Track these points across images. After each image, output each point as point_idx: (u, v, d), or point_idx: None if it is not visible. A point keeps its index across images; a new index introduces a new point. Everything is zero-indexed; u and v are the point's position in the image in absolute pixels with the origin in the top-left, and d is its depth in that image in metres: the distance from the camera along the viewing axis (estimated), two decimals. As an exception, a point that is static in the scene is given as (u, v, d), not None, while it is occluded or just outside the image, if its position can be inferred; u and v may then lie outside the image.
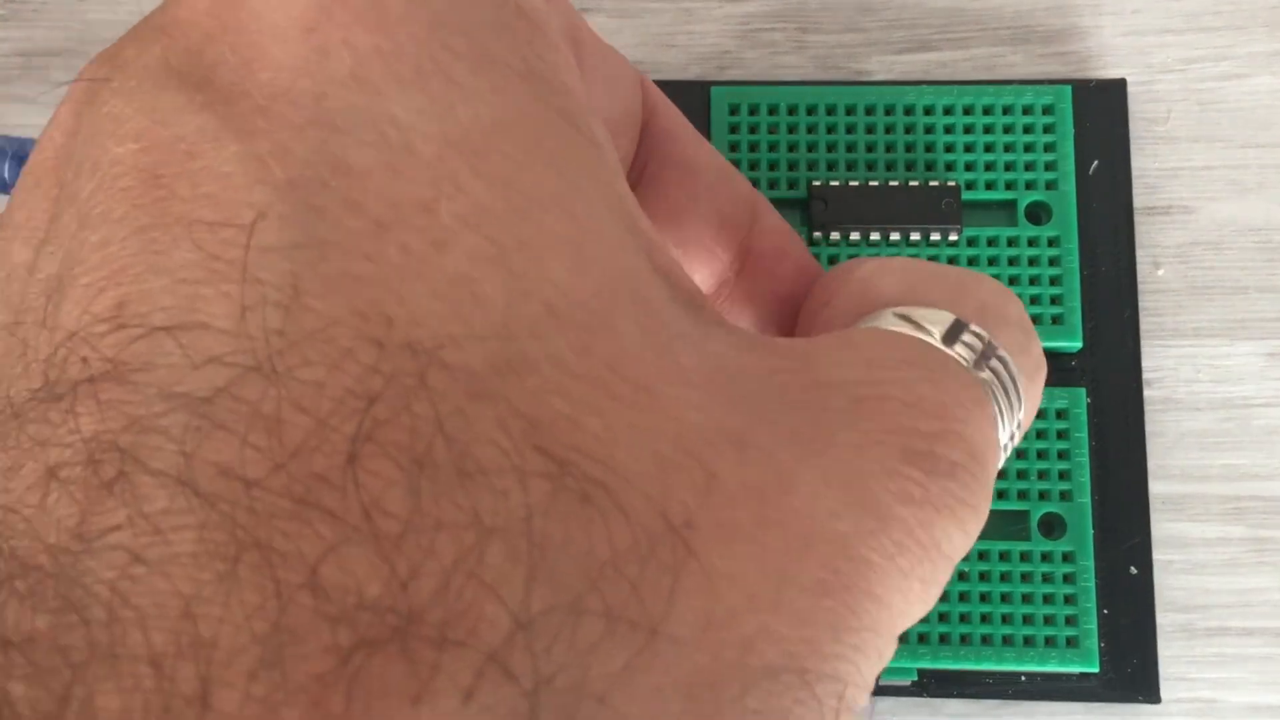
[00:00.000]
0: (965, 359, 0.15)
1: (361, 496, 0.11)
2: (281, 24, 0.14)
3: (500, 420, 0.12)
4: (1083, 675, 0.26)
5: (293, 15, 0.14)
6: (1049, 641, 0.25)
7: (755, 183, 0.27)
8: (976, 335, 0.16)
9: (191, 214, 0.12)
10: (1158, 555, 0.26)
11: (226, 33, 0.14)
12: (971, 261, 0.27)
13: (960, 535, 0.14)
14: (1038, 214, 0.27)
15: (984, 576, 0.25)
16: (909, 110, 0.28)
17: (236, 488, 0.11)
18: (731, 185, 0.21)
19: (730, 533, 0.12)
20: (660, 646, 0.11)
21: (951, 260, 0.27)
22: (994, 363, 0.16)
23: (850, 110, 0.28)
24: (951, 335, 0.16)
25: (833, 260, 0.27)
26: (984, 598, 0.25)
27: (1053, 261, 0.27)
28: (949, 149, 0.27)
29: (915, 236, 0.27)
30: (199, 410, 0.11)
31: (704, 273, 0.21)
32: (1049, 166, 0.27)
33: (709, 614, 0.12)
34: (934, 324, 0.16)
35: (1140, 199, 0.28)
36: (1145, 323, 0.28)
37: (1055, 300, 0.26)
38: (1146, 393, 0.27)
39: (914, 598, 0.14)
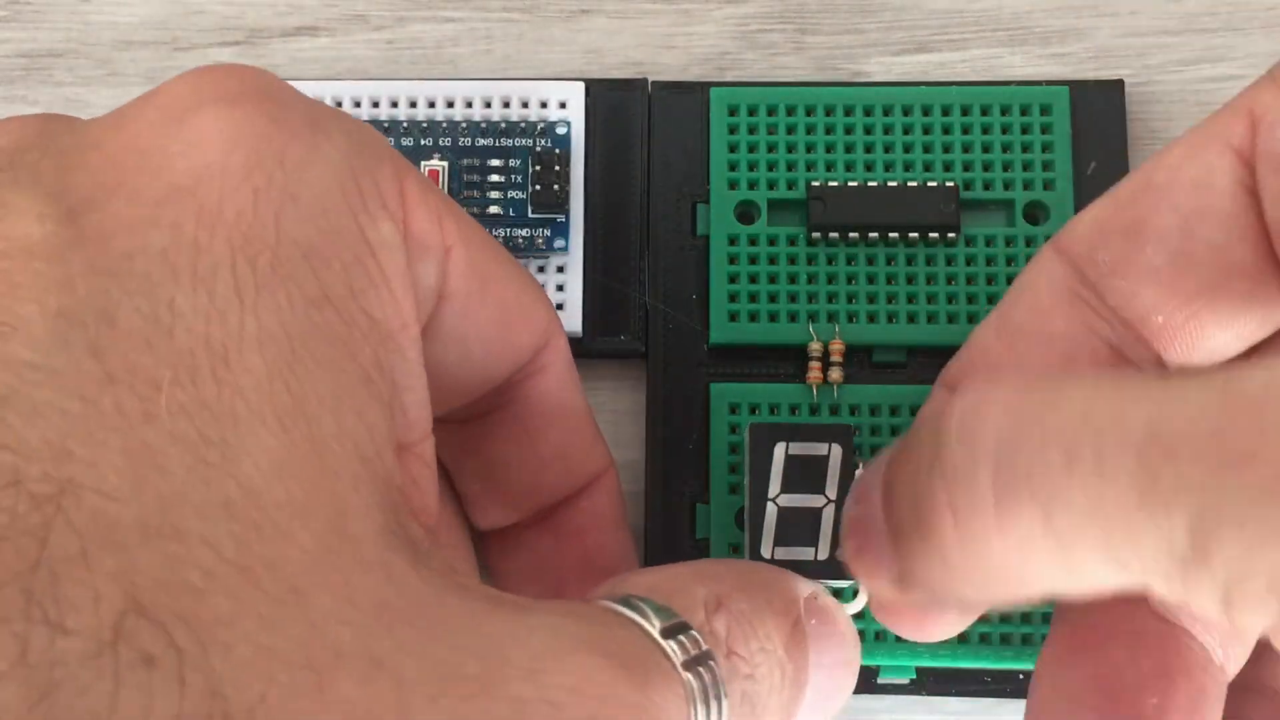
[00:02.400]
0: (676, 654, 0.16)
1: None
2: (157, 191, 0.15)
3: (116, 571, 0.13)
4: (1080, 673, 0.26)
5: (175, 184, 0.16)
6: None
7: (754, 184, 0.27)
8: (696, 640, 0.17)
9: None
10: (1155, 554, 0.26)
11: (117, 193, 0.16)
12: (969, 261, 0.27)
13: None
14: (1036, 214, 0.27)
15: (982, 575, 0.26)
16: (907, 111, 0.28)
17: None
18: (565, 467, 0.23)
19: None
20: None
21: (949, 260, 0.27)
22: (703, 670, 0.17)
23: (849, 111, 0.28)
24: (671, 632, 0.17)
25: (831, 261, 0.27)
26: (982, 596, 0.25)
27: (1050, 261, 0.27)
28: (947, 150, 0.27)
29: (913, 236, 0.27)
30: None
31: (492, 517, 0.23)
32: (1047, 167, 0.27)
33: None
34: (658, 617, 0.17)
35: (1138, 199, 0.28)
36: (1143, 323, 0.28)
37: (1053, 300, 0.27)
38: (1144, 392, 0.27)
39: None
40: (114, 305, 0.14)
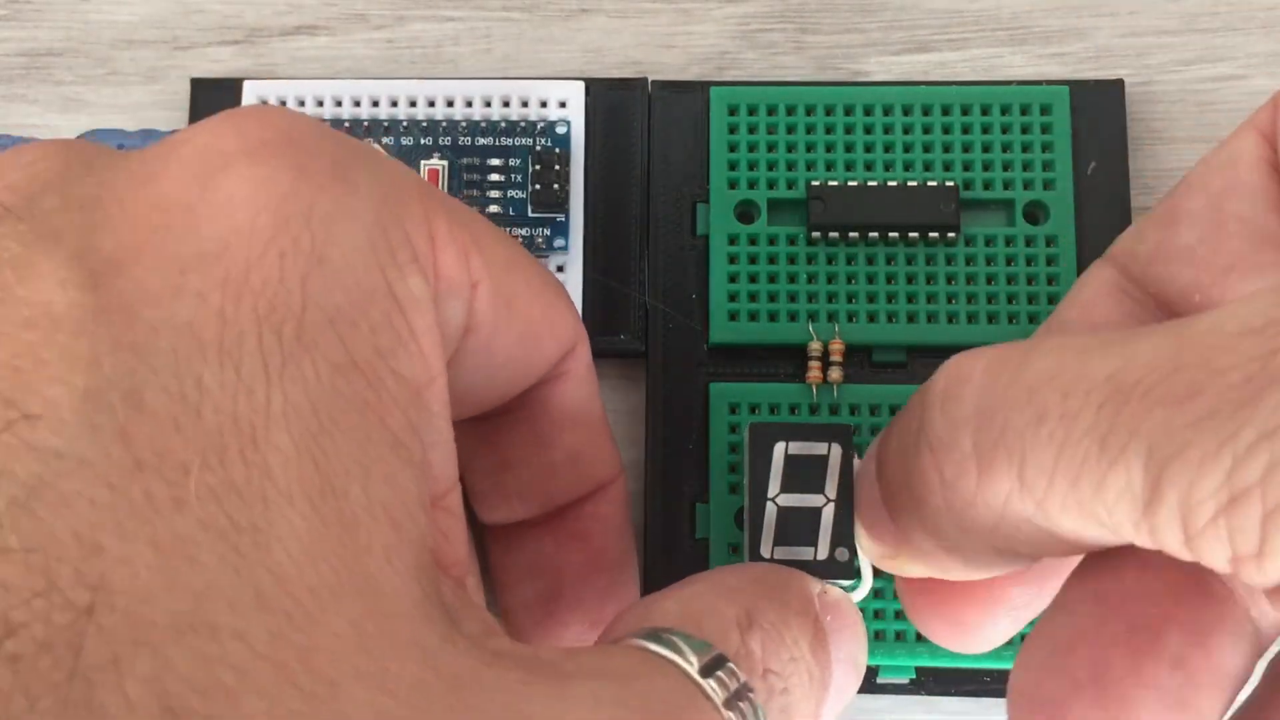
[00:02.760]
0: (717, 694, 0.16)
1: None
2: (183, 257, 0.15)
3: (149, 675, 0.12)
4: (1080, 673, 0.26)
5: (201, 250, 0.15)
6: (1046, 640, 0.25)
7: (754, 183, 0.27)
8: (734, 673, 0.17)
9: None
10: (1155, 554, 0.26)
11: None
12: (969, 261, 0.27)
13: None
14: (1035, 214, 0.27)
15: (982, 575, 0.26)
16: (907, 111, 0.28)
17: None
18: (577, 472, 0.23)
19: None
20: None
21: (949, 260, 0.27)
22: (743, 704, 0.17)
23: (849, 111, 0.28)
24: (710, 668, 0.16)
25: (831, 261, 0.27)
26: (982, 596, 0.25)
27: (1050, 261, 0.27)
28: (947, 149, 0.27)
29: (914, 236, 0.27)
30: None
31: (498, 513, 0.23)
32: (1047, 167, 0.27)
33: None
34: (695, 654, 0.17)
35: (1138, 199, 0.28)
36: (1143, 322, 0.28)
37: (1052, 300, 0.27)
38: (1144, 392, 0.27)
39: None
40: (141, 385, 0.14)
